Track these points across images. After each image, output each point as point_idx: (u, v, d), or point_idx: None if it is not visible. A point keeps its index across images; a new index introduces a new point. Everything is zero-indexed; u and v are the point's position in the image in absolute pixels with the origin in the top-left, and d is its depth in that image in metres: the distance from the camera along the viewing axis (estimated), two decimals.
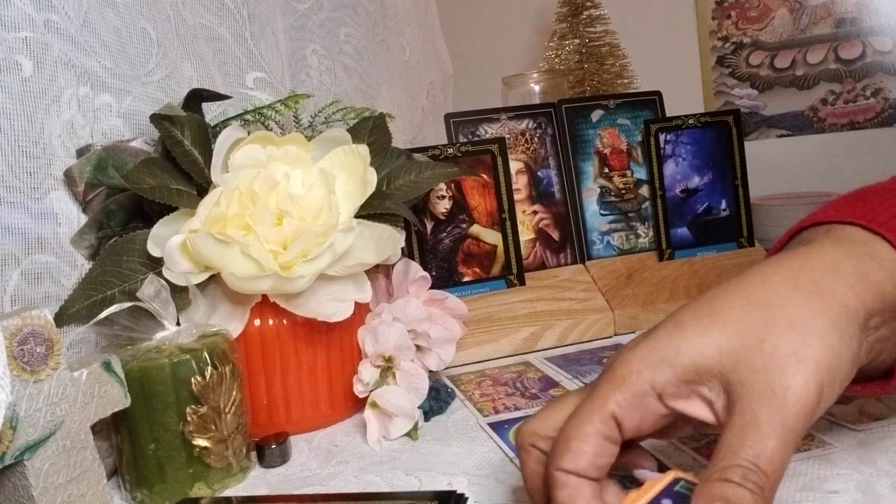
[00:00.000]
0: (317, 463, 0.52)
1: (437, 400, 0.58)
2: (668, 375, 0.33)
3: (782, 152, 1.35)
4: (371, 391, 0.55)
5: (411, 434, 0.54)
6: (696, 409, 0.33)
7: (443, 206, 0.75)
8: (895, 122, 1.28)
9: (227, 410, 0.49)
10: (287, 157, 0.56)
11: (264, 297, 0.54)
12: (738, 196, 0.83)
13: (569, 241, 0.80)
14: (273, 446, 0.51)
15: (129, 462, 0.48)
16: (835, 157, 1.32)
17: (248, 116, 0.64)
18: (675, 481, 0.33)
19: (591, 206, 0.81)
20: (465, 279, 0.75)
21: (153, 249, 0.52)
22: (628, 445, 0.35)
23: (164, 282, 0.50)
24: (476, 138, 0.79)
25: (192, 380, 0.47)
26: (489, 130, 0.80)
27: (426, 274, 0.62)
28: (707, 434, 0.48)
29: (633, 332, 0.74)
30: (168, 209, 0.54)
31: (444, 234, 0.75)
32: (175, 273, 0.52)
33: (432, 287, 0.63)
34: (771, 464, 0.29)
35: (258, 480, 0.50)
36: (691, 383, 0.33)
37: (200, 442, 0.48)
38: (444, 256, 0.74)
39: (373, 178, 0.57)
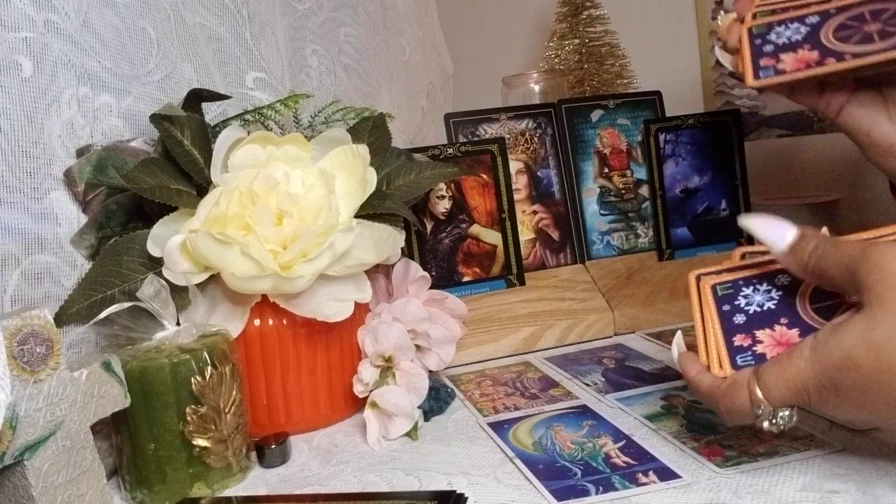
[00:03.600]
0: (317, 463, 0.52)
1: (437, 400, 0.58)
2: None
3: (782, 152, 1.35)
4: (371, 391, 0.55)
5: (411, 434, 0.54)
6: None
7: (443, 206, 0.75)
8: None
9: (226, 410, 0.49)
10: (287, 157, 0.56)
11: (264, 297, 0.54)
12: (737, 196, 0.83)
13: (569, 241, 0.80)
14: (273, 446, 0.51)
15: (129, 462, 0.48)
16: (835, 158, 1.32)
17: (248, 116, 0.64)
18: None
19: (591, 206, 0.81)
20: (465, 279, 0.75)
21: (153, 249, 0.52)
22: None
23: (164, 282, 0.50)
24: (476, 138, 0.79)
25: (192, 380, 0.47)
26: (489, 130, 0.80)
27: (426, 274, 0.62)
28: (707, 434, 0.48)
29: (633, 332, 0.74)
30: (168, 209, 0.54)
31: (444, 234, 0.75)
32: (175, 273, 0.52)
33: (432, 287, 0.63)
34: None
35: (258, 480, 0.50)
36: None
37: (200, 442, 0.48)
38: (444, 256, 0.74)
39: (372, 178, 0.57)
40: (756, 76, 0.50)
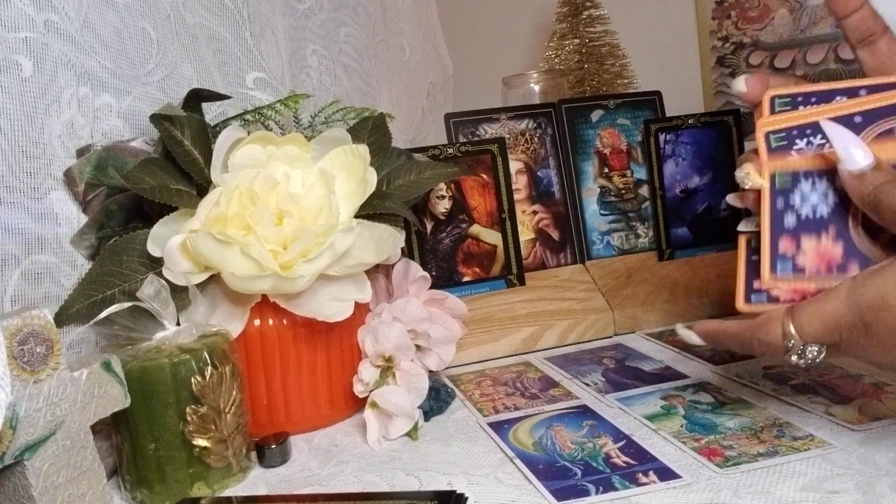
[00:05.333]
0: (317, 463, 0.52)
1: (437, 400, 0.58)
2: None
3: None
4: (371, 391, 0.55)
5: (411, 434, 0.54)
6: None
7: (443, 206, 0.75)
8: None
9: (227, 410, 0.49)
10: (287, 157, 0.56)
11: (264, 297, 0.54)
12: None
13: (569, 241, 0.80)
14: (273, 446, 0.51)
15: (129, 462, 0.48)
16: None
17: (248, 116, 0.64)
18: None
19: (591, 206, 0.81)
20: (465, 279, 0.75)
21: (153, 249, 0.52)
22: None
23: (164, 282, 0.50)
24: (476, 138, 0.79)
25: (192, 380, 0.47)
26: (489, 130, 0.80)
27: (426, 274, 0.62)
28: (707, 434, 0.48)
29: (633, 332, 0.74)
30: (168, 209, 0.54)
31: (444, 234, 0.75)
32: (175, 273, 0.52)
33: (432, 287, 0.63)
34: None
35: (258, 480, 0.50)
36: None
37: (200, 442, 0.48)
38: (444, 256, 0.74)
39: (373, 178, 0.57)
40: (773, 270, 0.43)
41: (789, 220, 0.43)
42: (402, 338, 0.57)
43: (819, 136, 0.43)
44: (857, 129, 0.43)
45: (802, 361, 0.41)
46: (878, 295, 0.38)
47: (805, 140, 0.44)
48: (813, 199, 0.43)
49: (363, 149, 0.57)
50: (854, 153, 0.40)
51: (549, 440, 0.50)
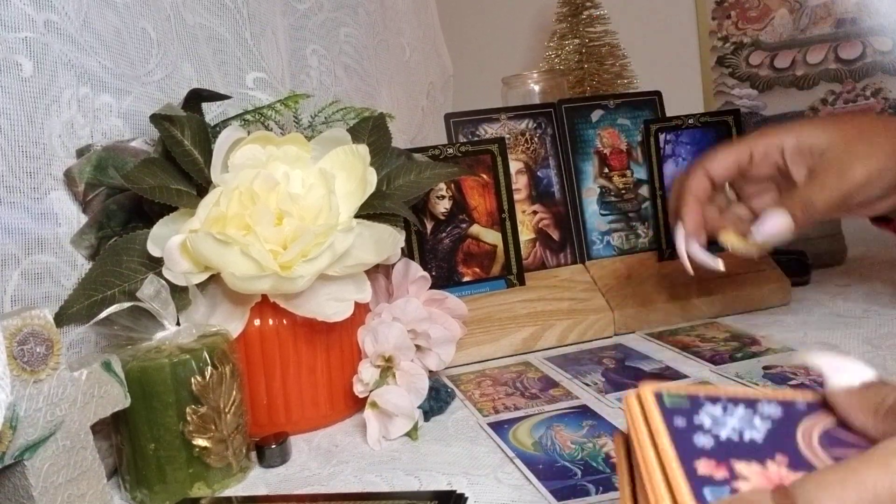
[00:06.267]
0: (317, 463, 0.52)
1: (437, 400, 0.58)
2: (791, 142, 0.59)
3: None
4: (371, 391, 0.55)
5: (411, 434, 0.54)
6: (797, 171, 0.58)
7: (443, 206, 0.75)
8: None
9: (226, 410, 0.49)
10: (287, 157, 0.56)
11: (264, 297, 0.54)
12: None
13: (569, 241, 0.80)
14: (273, 446, 0.51)
15: (129, 462, 0.48)
16: None
17: (248, 116, 0.64)
18: None
19: (591, 206, 0.81)
20: (465, 279, 0.75)
21: (153, 249, 0.52)
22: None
23: (164, 282, 0.50)
24: (476, 138, 0.79)
25: (192, 380, 0.47)
26: (489, 130, 0.80)
27: (426, 274, 0.62)
28: None
29: (633, 332, 0.74)
30: (168, 209, 0.54)
31: (444, 234, 0.75)
32: (175, 273, 0.52)
33: (432, 287, 0.63)
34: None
35: (258, 480, 0.50)
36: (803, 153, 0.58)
37: (200, 442, 0.48)
38: (444, 256, 0.74)
39: (373, 178, 0.57)
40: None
41: (701, 440, 0.28)
42: (401, 338, 0.57)
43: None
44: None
45: None
46: None
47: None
48: (732, 422, 0.29)
49: (363, 149, 0.57)
50: (849, 369, 0.29)
51: (549, 440, 0.50)
